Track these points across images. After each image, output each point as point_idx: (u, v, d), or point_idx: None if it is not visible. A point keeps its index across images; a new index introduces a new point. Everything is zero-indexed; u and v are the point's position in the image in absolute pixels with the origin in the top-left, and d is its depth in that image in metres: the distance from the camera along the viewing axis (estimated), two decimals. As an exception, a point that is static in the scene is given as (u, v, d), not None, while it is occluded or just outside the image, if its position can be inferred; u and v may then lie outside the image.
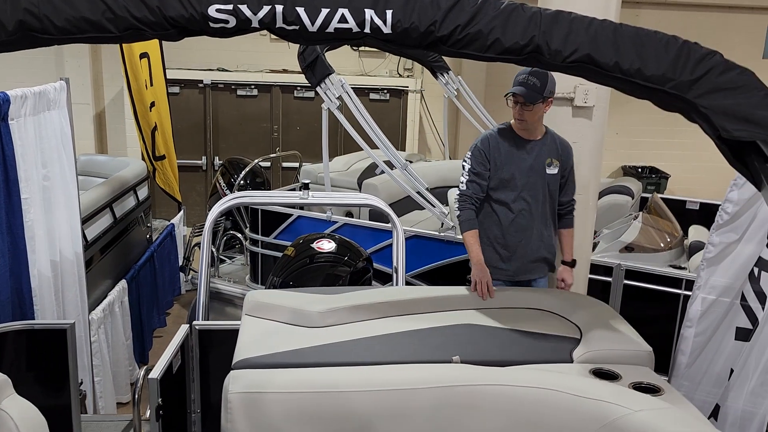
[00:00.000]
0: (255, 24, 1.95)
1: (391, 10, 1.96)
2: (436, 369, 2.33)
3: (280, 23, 1.95)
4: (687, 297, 3.56)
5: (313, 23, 1.95)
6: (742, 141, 1.93)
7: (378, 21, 1.97)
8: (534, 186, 3.42)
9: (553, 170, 3.44)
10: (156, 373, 2.46)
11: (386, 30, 1.98)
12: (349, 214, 5.29)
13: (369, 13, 1.96)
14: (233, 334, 2.65)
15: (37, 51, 8.01)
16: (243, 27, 1.96)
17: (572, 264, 3.58)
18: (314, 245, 3.92)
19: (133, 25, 1.86)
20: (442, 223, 4.73)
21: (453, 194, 4.86)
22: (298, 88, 8.56)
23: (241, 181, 6.23)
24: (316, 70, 4.75)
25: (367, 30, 1.98)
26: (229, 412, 2.16)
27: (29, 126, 3.38)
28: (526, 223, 3.44)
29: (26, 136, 3.35)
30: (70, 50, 8.19)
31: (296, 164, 7.36)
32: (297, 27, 1.96)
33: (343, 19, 1.96)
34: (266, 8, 1.92)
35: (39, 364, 2.95)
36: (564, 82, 3.48)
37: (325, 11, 1.94)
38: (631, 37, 2.00)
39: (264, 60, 8.71)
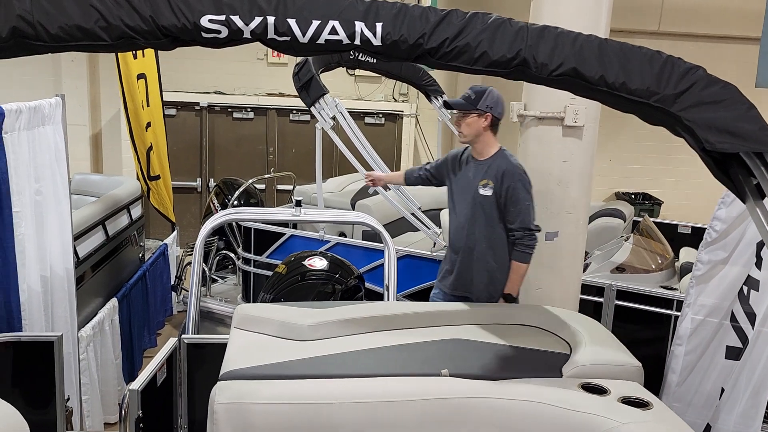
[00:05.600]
0: (247, 35, 1.98)
1: (381, 23, 2.00)
2: (424, 382, 2.32)
3: (271, 34, 1.98)
4: (678, 318, 3.56)
5: (304, 34, 1.98)
6: (725, 153, 1.96)
7: (368, 33, 2.00)
8: (468, 204, 3.49)
9: (486, 191, 3.42)
10: (137, 384, 2.44)
11: (376, 42, 2.02)
12: (342, 234, 5.30)
13: (359, 26, 2.00)
14: (222, 348, 2.63)
15: (34, 71, 8.10)
16: (235, 38, 1.99)
17: (508, 299, 3.45)
18: (306, 262, 3.92)
19: (125, 34, 1.89)
20: (435, 243, 4.74)
21: (446, 215, 4.89)
22: (294, 111, 8.63)
23: (235, 201, 6.24)
24: (310, 90, 4.80)
25: (357, 42, 2.02)
26: (215, 424, 2.14)
27: (23, 140, 3.40)
28: (461, 237, 3.54)
29: (20, 150, 3.36)
30: (68, 71, 8.27)
31: (291, 186, 7.38)
32: (288, 38, 1.99)
33: (333, 31, 1.99)
34: (258, 19, 1.95)
35: (26, 378, 2.92)
36: (554, 102, 3.53)
37: (316, 23, 1.98)
38: (616, 51, 2.04)
39: (260, 83, 8.80)
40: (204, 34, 1.94)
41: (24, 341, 2.91)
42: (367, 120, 8.76)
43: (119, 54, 5.58)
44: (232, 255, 6.10)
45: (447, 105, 3.57)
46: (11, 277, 3.26)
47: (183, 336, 2.93)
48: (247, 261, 5.38)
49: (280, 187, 8.61)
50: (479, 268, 3.49)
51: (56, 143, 3.72)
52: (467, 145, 3.61)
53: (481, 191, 3.41)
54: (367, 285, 4.25)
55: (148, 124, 6.23)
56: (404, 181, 4.14)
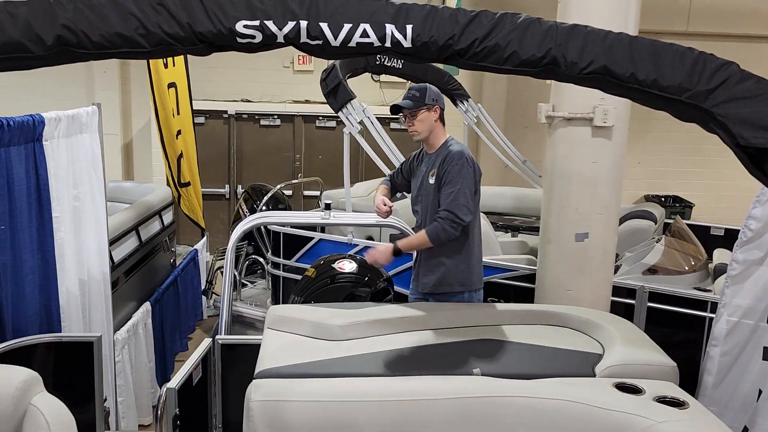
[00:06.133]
0: (280, 39, 2.03)
1: (411, 25, 2.03)
2: (457, 380, 2.33)
3: (304, 38, 2.03)
4: (713, 320, 3.50)
5: (336, 38, 2.02)
6: (760, 148, 1.95)
7: (398, 35, 2.04)
8: (424, 197, 3.50)
9: (432, 180, 3.44)
10: (174, 383, 2.49)
11: (406, 44, 2.05)
12: (370, 238, 5.33)
13: (390, 28, 2.03)
14: (254, 349, 2.68)
15: (67, 82, 8.31)
16: (269, 42, 2.04)
17: (395, 249, 3.32)
18: (335, 265, 3.95)
19: (163, 41, 1.95)
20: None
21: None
22: (320, 118, 8.71)
23: (263, 207, 6.31)
24: (338, 96, 4.85)
25: (387, 44, 2.05)
26: (251, 421, 2.18)
27: (62, 147, 3.49)
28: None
29: (59, 157, 3.46)
30: (100, 83, 8.47)
31: (318, 192, 7.45)
32: (320, 42, 2.03)
33: (364, 34, 2.03)
34: (291, 24, 2.00)
35: (66, 377, 3.00)
36: (583, 102, 3.52)
37: (347, 26, 2.02)
38: (646, 48, 2.04)
39: (287, 91, 8.91)
40: (239, 40, 1.99)
41: (65, 341, 2.99)
42: (393, 125, 8.79)
43: (151, 63, 5.70)
44: (261, 260, 6.17)
45: (395, 109, 3.49)
46: (51, 281, 3.36)
47: (217, 337, 2.98)
48: (276, 265, 5.44)
49: (307, 192, 8.69)
50: (433, 264, 3.47)
51: (93, 150, 3.82)
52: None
53: (430, 181, 3.46)
54: (396, 288, 4.26)
55: (179, 132, 6.34)
56: (390, 195, 3.79)
